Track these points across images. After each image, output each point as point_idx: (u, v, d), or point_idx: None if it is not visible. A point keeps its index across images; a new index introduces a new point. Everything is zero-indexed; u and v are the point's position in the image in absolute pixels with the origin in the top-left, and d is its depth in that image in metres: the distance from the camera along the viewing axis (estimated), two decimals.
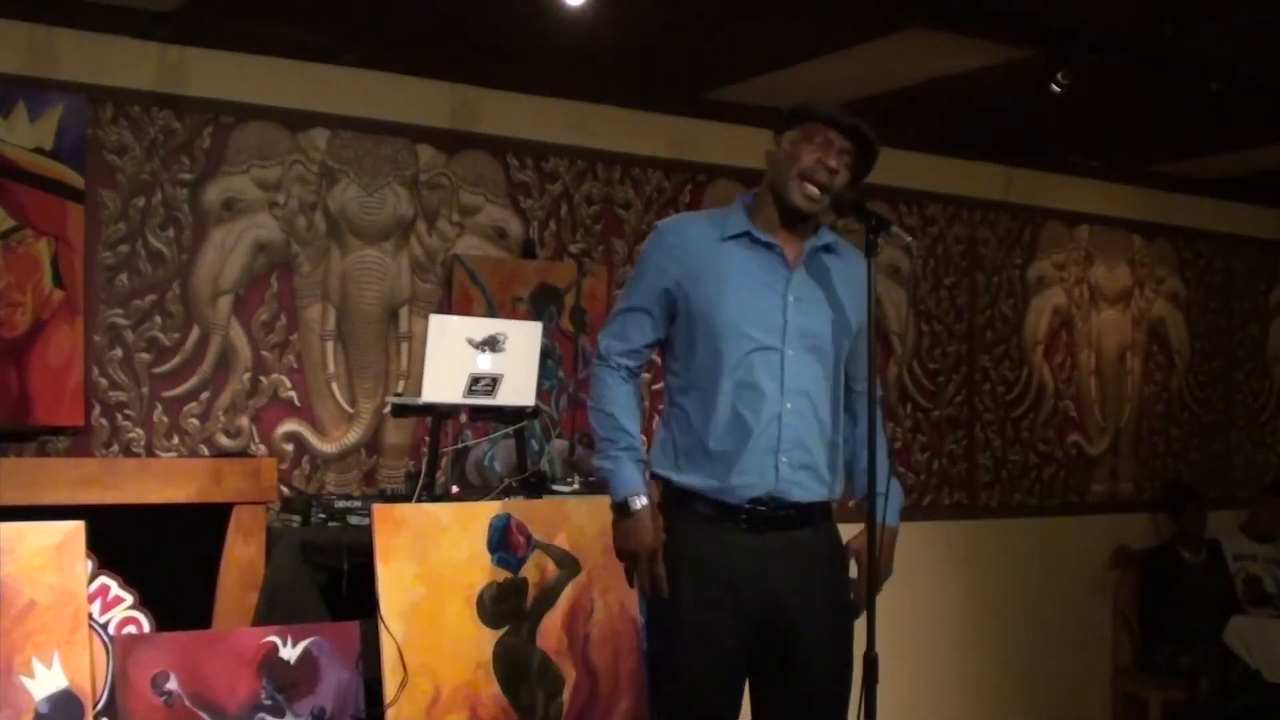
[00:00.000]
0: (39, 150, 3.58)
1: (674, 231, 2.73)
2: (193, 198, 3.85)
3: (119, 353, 3.74)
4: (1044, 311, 5.64)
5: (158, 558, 3.33)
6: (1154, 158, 5.60)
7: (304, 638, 3.27)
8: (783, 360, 2.61)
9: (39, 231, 3.58)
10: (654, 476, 2.74)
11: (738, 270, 2.64)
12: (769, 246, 2.67)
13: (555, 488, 3.75)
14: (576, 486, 3.79)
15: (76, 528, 3.16)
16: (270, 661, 3.23)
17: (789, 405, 2.60)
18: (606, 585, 3.49)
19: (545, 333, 3.92)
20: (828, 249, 2.73)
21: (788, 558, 2.61)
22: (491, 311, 4.19)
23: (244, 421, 3.90)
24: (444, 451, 3.70)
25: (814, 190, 2.62)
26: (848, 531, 2.72)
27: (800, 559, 2.63)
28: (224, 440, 3.87)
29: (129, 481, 3.36)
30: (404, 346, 4.16)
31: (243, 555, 3.43)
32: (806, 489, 2.63)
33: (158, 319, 3.79)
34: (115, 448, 3.71)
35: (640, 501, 2.61)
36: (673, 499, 2.70)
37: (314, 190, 4.02)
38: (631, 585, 2.68)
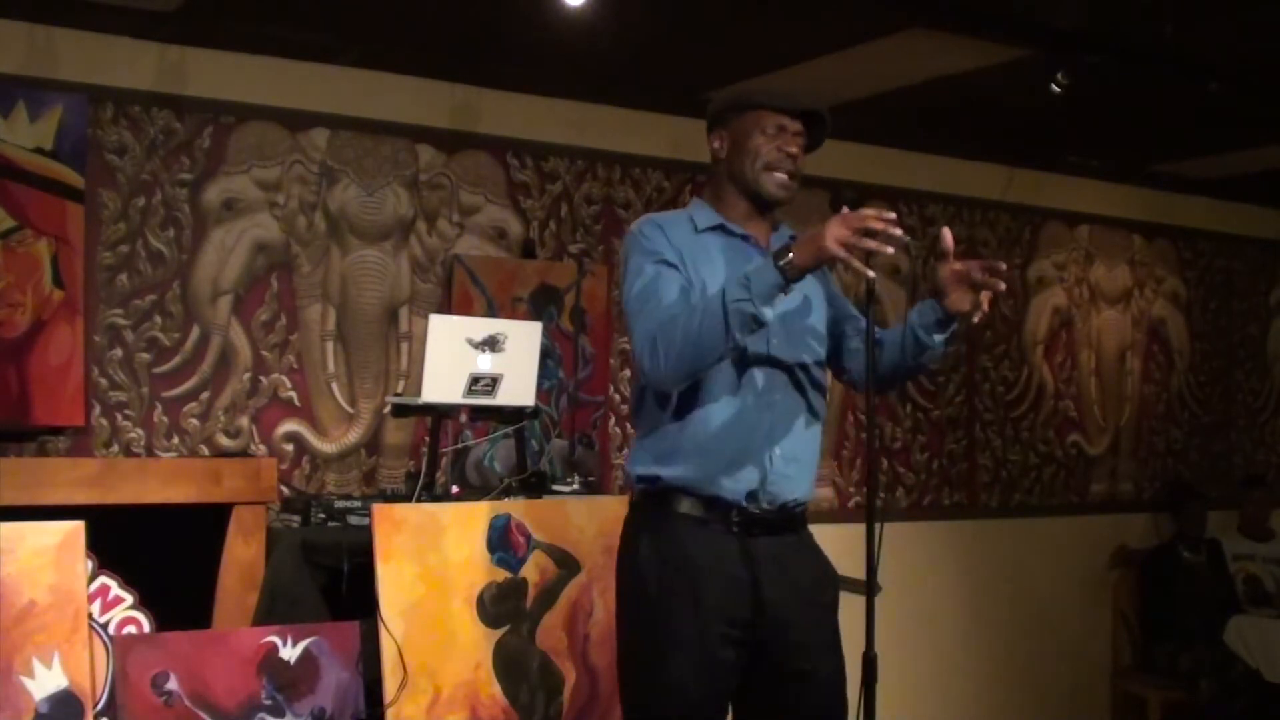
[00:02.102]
0: (39, 150, 3.58)
1: (653, 225, 2.61)
2: (193, 198, 3.85)
3: (119, 353, 3.74)
4: (1044, 311, 5.64)
5: (158, 558, 3.33)
6: (1154, 158, 5.60)
7: (304, 638, 3.27)
8: (769, 346, 2.56)
9: (39, 231, 3.59)
10: (637, 480, 2.62)
11: (722, 259, 2.59)
12: (744, 238, 2.63)
13: (555, 488, 3.75)
14: (576, 486, 3.79)
15: (76, 528, 3.16)
16: (270, 661, 3.23)
17: (778, 397, 2.58)
18: (606, 585, 3.47)
19: (545, 333, 3.92)
20: (794, 239, 2.67)
21: (777, 566, 2.55)
22: (491, 311, 4.19)
23: (244, 421, 3.90)
24: (444, 451, 3.70)
25: (785, 178, 2.60)
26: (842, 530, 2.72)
27: (789, 568, 2.57)
28: (224, 440, 3.87)
29: (129, 481, 3.36)
30: (404, 346, 4.16)
31: (243, 555, 3.43)
32: (796, 485, 2.58)
33: (158, 319, 3.79)
34: (115, 448, 3.71)
35: (771, 260, 2.35)
36: (656, 501, 2.58)
37: (314, 190, 4.02)
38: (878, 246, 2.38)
